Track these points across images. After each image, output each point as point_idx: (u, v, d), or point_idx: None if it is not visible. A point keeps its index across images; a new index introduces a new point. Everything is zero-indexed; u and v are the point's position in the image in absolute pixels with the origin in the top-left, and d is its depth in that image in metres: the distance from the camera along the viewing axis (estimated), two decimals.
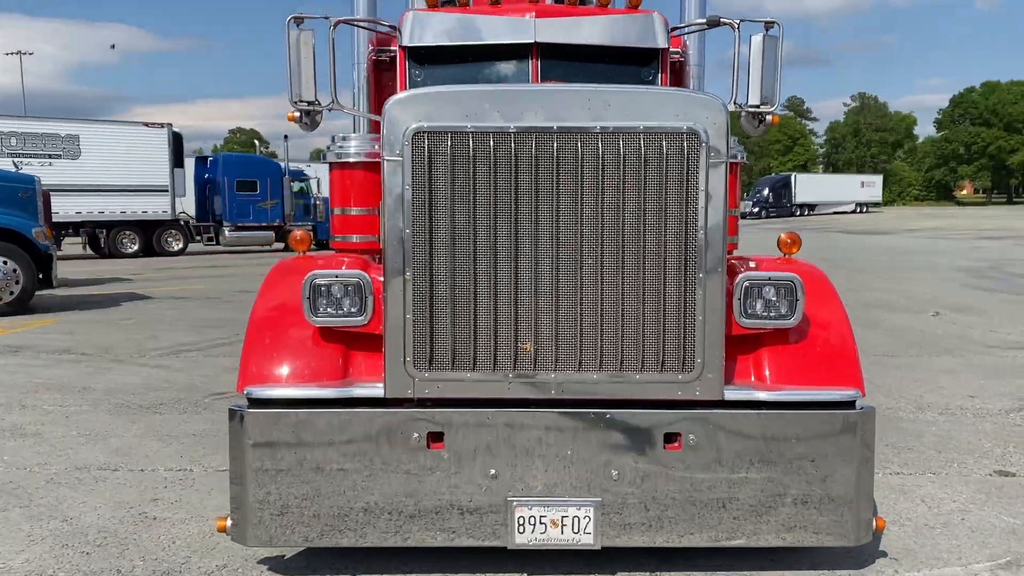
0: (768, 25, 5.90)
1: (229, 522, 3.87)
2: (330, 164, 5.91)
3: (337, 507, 3.73)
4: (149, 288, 17.78)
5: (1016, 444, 5.99)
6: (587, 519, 3.70)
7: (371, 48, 6.91)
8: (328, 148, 5.88)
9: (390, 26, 6.14)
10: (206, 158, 35.89)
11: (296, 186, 34.23)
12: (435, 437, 3.71)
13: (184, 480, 5.33)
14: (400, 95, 3.72)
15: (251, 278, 20.22)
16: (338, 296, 3.83)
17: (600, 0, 6.01)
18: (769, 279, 3.83)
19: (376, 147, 5.60)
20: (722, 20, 5.97)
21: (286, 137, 34.41)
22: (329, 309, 3.84)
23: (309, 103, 5.85)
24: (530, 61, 5.87)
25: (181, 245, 31.78)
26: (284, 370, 3.89)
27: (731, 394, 3.75)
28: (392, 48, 6.95)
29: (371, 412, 3.71)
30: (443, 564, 4.00)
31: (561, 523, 3.71)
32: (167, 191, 30.86)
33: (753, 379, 3.91)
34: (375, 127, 6.43)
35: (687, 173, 3.62)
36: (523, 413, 3.71)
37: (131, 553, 4.21)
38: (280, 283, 4.28)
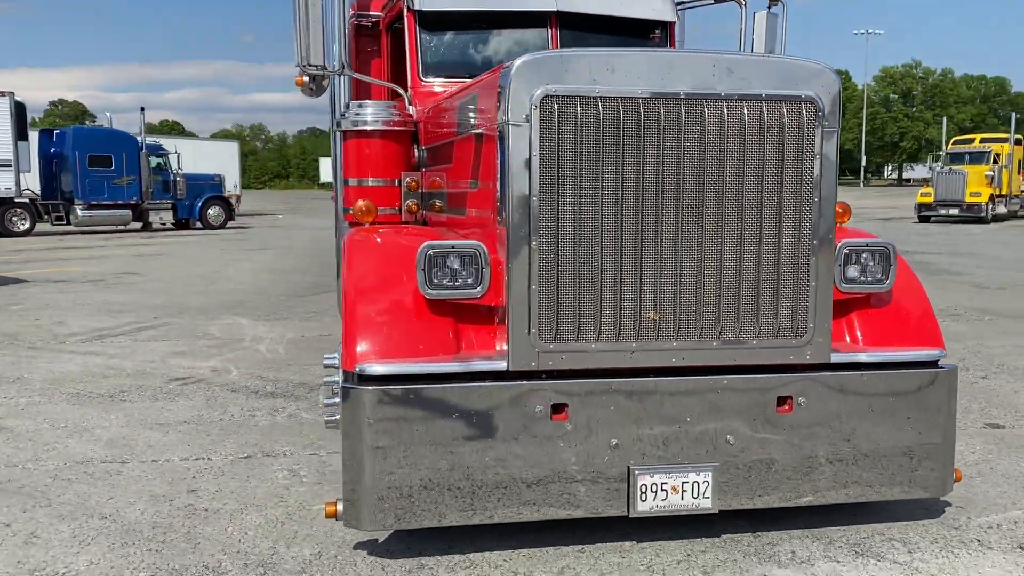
0: (772, 3, 6.05)
1: (340, 507, 3.66)
2: (344, 132, 5.62)
3: (459, 485, 3.60)
4: (12, 271, 16.34)
5: (989, 400, 6.53)
6: (706, 484, 3.74)
7: (352, 13, 6.64)
8: (342, 115, 5.59)
9: None
10: (52, 131, 33.14)
11: (154, 161, 32.21)
12: (557, 408, 3.64)
13: (209, 469, 4.98)
14: (525, 59, 3.57)
15: (128, 260, 19.01)
16: (454, 267, 3.66)
17: None
18: (867, 245, 3.99)
19: (393, 115, 5.39)
20: None
21: (143, 109, 32.24)
22: (444, 281, 3.67)
23: (319, 67, 5.56)
24: (549, 30, 5.81)
25: (28, 225, 29.32)
26: (396, 345, 3.69)
27: (835, 357, 3.88)
28: (372, 13, 6.70)
29: (495, 385, 3.60)
30: (545, 538, 3.94)
31: (681, 489, 3.73)
32: (10, 167, 28.32)
33: (848, 341, 4.06)
34: (363, 94, 6.18)
35: (804, 141, 3.70)
36: (645, 382, 3.70)
37: (206, 548, 3.90)
38: (370, 255, 4.07)
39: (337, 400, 4.17)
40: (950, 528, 4.12)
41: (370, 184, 5.58)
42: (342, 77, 5.76)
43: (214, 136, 49.13)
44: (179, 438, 5.58)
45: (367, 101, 5.62)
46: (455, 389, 3.57)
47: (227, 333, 9.63)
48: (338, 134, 5.72)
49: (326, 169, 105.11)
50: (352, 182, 5.67)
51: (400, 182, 5.53)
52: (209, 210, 33.11)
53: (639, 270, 3.64)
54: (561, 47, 5.81)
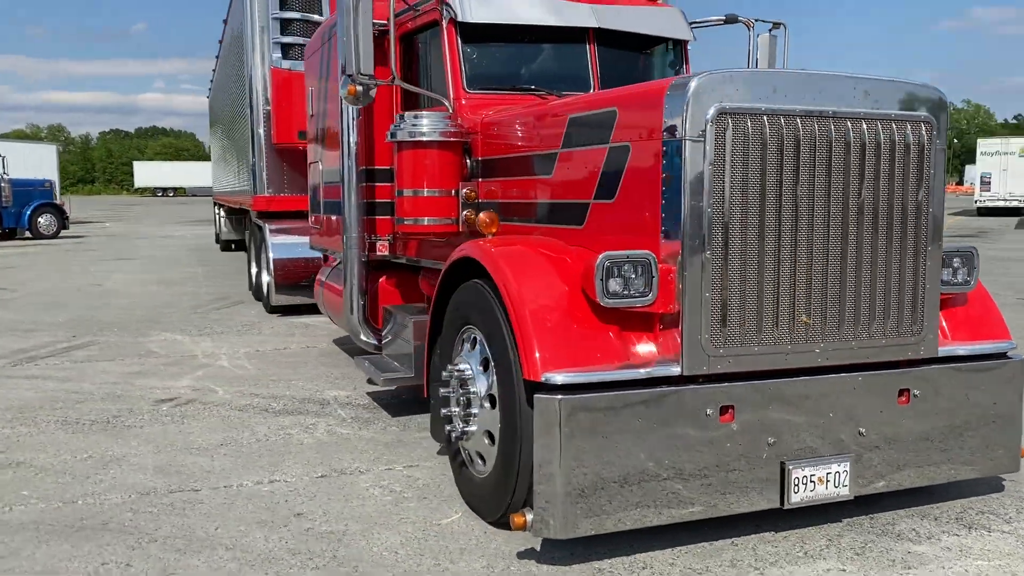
0: (775, 26, 6.52)
1: (530, 516, 3.69)
2: (399, 143, 5.55)
3: (643, 488, 3.72)
4: None
5: None
6: (844, 473, 4.06)
7: None
8: (397, 126, 5.52)
9: None
10: None
11: None
12: (724, 410, 3.84)
13: (295, 491, 4.79)
14: (701, 78, 3.74)
15: None
16: (629, 276, 3.78)
17: None
18: (957, 250, 4.45)
19: (449, 125, 5.41)
20: (739, 18, 6.49)
21: None
22: (619, 289, 3.77)
23: (370, 77, 5.51)
24: (587, 45, 5.98)
25: None
26: (577, 354, 3.75)
27: (940, 351, 4.32)
28: (378, 21, 6.63)
29: (675, 390, 3.75)
30: (694, 535, 4.12)
31: (826, 479, 4.03)
32: None
33: (941, 337, 4.51)
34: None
35: (923, 156, 4.10)
36: (796, 382, 3.97)
37: (372, 571, 3.79)
38: (530, 265, 4.10)
39: (471, 411, 4.20)
40: None
41: (425, 195, 5.55)
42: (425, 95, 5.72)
43: (4, 136, 45.13)
44: (233, 462, 5.30)
45: (422, 112, 5.57)
46: (639, 395, 3.69)
47: (171, 350, 9.09)
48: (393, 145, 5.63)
49: (142, 174, 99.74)
50: (407, 192, 5.60)
51: (457, 192, 5.53)
52: (40, 218, 30.49)
53: (796, 276, 3.91)
54: (599, 63, 6.00)
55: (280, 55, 11.55)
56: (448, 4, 5.81)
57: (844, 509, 4.41)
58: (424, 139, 5.47)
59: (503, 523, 4.21)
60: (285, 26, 11.54)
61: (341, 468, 5.19)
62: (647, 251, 3.82)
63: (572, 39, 6.02)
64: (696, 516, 3.86)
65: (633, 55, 6.29)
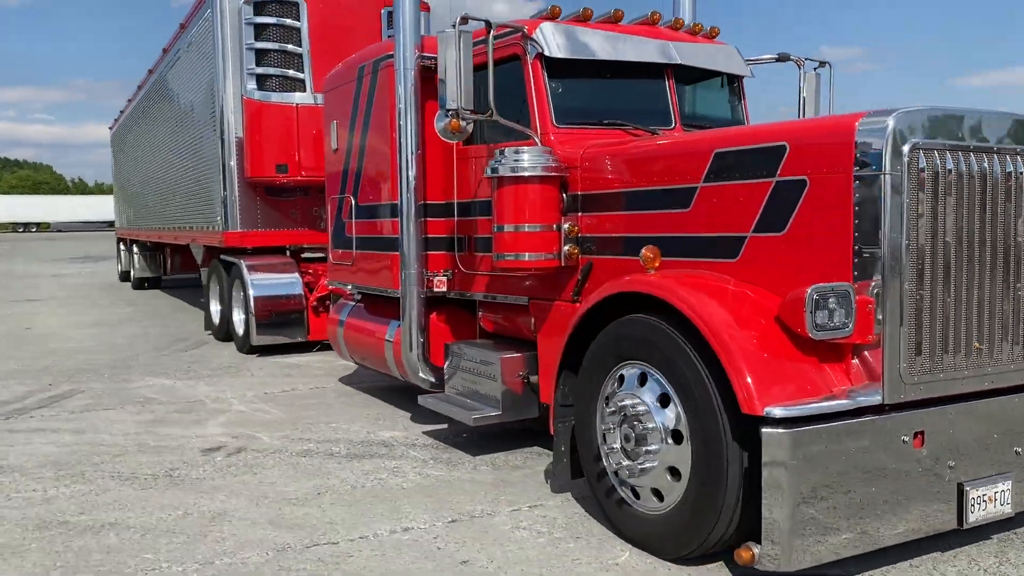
0: (821, 65, 6.85)
1: (757, 550, 3.69)
2: (499, 179, 5.49)
3: (852, 516, 3.79)
4: None
5: None
6: (1007, 491, 4.24)
7: (416, 54, 6.50)
8: (498, 161, 5.46)
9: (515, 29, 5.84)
10: None
11: None
12: (916, 436, 3.96)
13: (439, 538, 4.60)
14: (898, 113, 3.87)
15: None
16: (832, 308, 3.85)
17: (692, 29, 6.42)
18: None
19: (551, 161, 5.41)
20: (790, 57, 6.79)
21: None
22: (824, 322, 3.84)
23: (472, 112, 5.47)
24: (666, 81, 6.11)
25: None
26: (790, 387, 3.80)
27: None
28: (435, 55, 6.60)
29: (878, 419, 3.84)
30: (881, 558, 4.21)
31: (994, 499, 4.21)
32: None
33: None
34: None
35: None
36: (974, 404, 4.14)
37: None
38: (719, 299, 4.11)
39: (648, 447, 4.17)
40: None
41: (527, 230, 5.49)
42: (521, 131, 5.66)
43: None
44: (347, 511, 5.05)
45: (523, 147, 5.51)
46: (850, 425, 3.77)
47: (170, 396, 8.57)
48: (493, 180, 5.55)
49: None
50: (508, 228, 5.53)
51: (559, 227, 5.50)
52: None
53: (980, 305, 4.09)
54: (678, 97, 6.13)
55: (255, 85, 11.19)
56: (534, 40, 5.81)
57: (989, 526, 4.60)
58: (526, 174, 5.43)
59: (685, 560, 4.19)
60: (260, 56, 11.19)
61: (466, 511, 5.03)
62: (846, 283, 3.91)
63: (652, 75, 6.13)
64: (893, 541, 3.95)
65: (701, 90, 6.45)
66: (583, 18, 5.99)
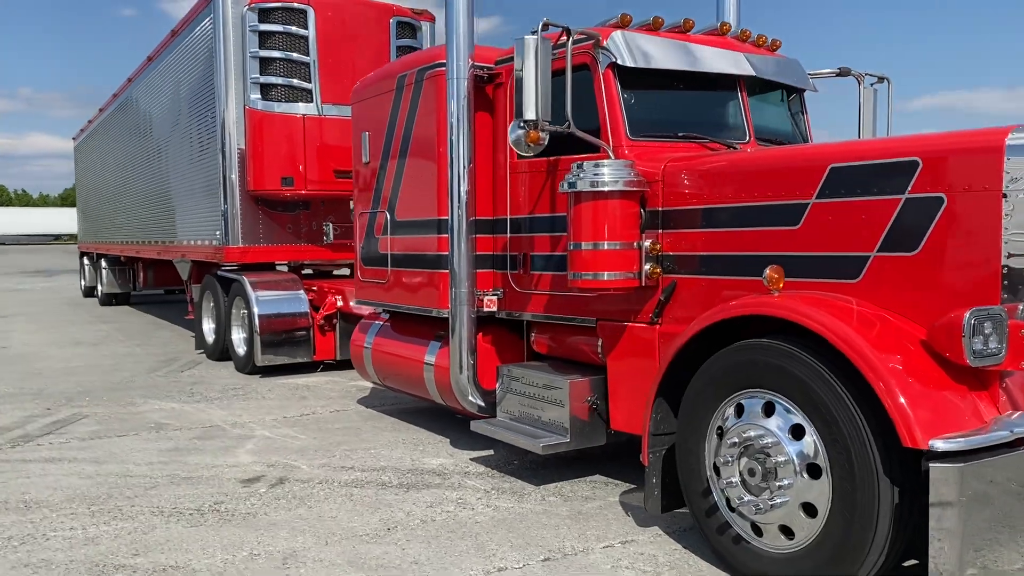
0: (879, 80, 6.71)
1: None
2: (576, 194, 5.20)
3: (1011, 547, 3.56)
4: None
5: None
6: None
7: (470, 64, 6.22)
8: (576, 176, 5.17)
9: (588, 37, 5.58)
10: None
11: None
12: None
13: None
14: None
15: None
16: (987, 333, 3.64)
17: (756, 41, 6.23)
18: None
19: (632, 175, 5.14)
20: (851, 72, 6.63)
21: None
22: (980, 348, 3.62)
23: (552, 124, 5.20)
24: (739, 93, 5.90)
25: None
26: (950, 418, 3.58)
27: None
28: (485, 65, 6.35)
29: None
30: None
31: None
32: None
33: None
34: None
35: None
36: None
37: None
38: (863, 324, 3.86)
39: (779, 482, 3.92)
40: None
41: (606, 248, 5.21)
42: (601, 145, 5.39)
43: None
44: (428, 549, 4.68)
45: (603, 160, 5.23)
46: (1015, 456, 3.55)
47: (184, 421, 8.10)
48: (570, 195, 5.26)
49: None
50: (586, 246, 5.23)
51: (639, 245, 5.23)
52: None
53: None
54: (751, 110, 5.92)
55: (259, 95, 10.76)
56: (607, 49, 5.55)
57: None
58: (607, 189, 5.15)
59: None
60: (265, 65, 10.78)
61: (556, 548, 4.70)
62: (998, 307, 3.70)
63: (726, 87, 5.92)
64: None
65: (770, 104, 6.25)
66: (653, 27, 5.76)
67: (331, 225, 11.52)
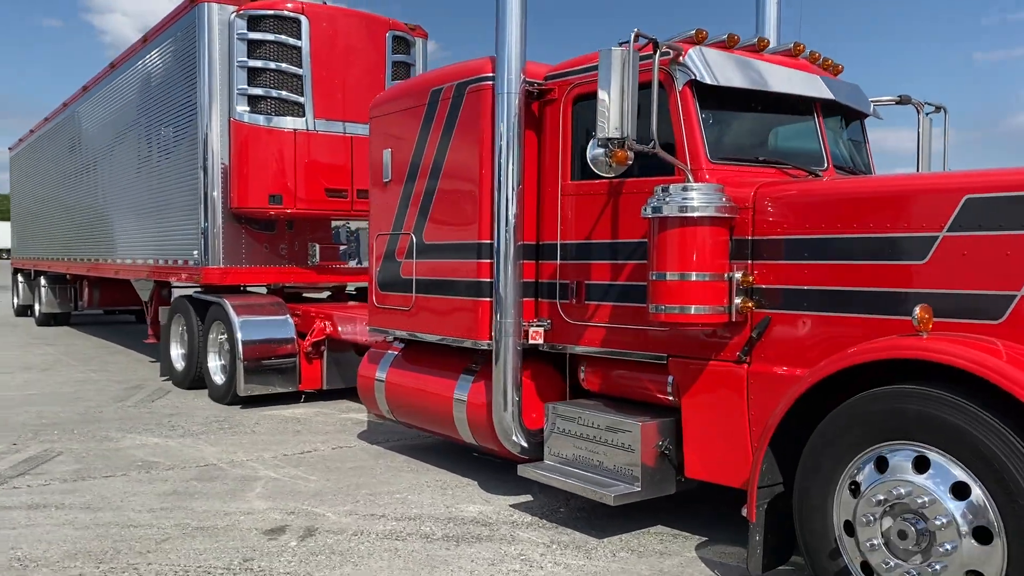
0: (936, 109, 6.48)
1: None
2: (662, 220, 4.76)
3: None
4: None
5: None
6: None
7: (522, 78, 5.80)
8: (662, 200, 4.73)
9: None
10: None
11: None
12: None
13: None
14: None
15: None
16: None
17: (824, 64, 5.92)
18: None
19: (725, 201, 4.74)
20: (911, 100, 6.38)
21: None
22: None
23: (641, 142, 4.78)
24: (815, 117, 5.57)
25: None
26: None
27: None
28: (538, 80, 5.92)
29: None
30: None
31: None
32: None
33: None
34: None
35: None
36: None
37: None
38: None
39: (941, 546, 3.52)
40: None
41: (694, 279, 4.77)
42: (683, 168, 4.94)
43: None
44: None
45: (691, 184, 4.80)
46: None
47: (174, 458, 7.35)
48: (655, 221, 4.81)
49: None
50: (672, 276, 4.79)
51: (730, 276, 4.81)
52: None
53: None
54: (828, 135, 5.59)
55: (246, 108, 10.10)
56: (685, 65, 5.15)
57: None
58: (696, 215, 4.73)
59: None
60: (254, 76, 10.13)
61: None
62: None
63: (802, 111, 5.58)
64: None
65: (838, 129, 5.92)
66: (729, 44, 5.38)
67: (317, 246, 10.92)
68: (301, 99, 10.17)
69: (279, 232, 10.83)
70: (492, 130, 5.90)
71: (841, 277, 4.49)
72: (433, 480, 6.73)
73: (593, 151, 4.91)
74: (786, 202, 4.75)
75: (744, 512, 4.36)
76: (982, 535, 3.48)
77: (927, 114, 6.59)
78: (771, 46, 5.59)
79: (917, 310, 3.82)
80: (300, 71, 10.15)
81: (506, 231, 5.81)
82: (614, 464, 5.31)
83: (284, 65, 10.12)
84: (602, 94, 4.74)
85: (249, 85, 10.10)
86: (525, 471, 5.72)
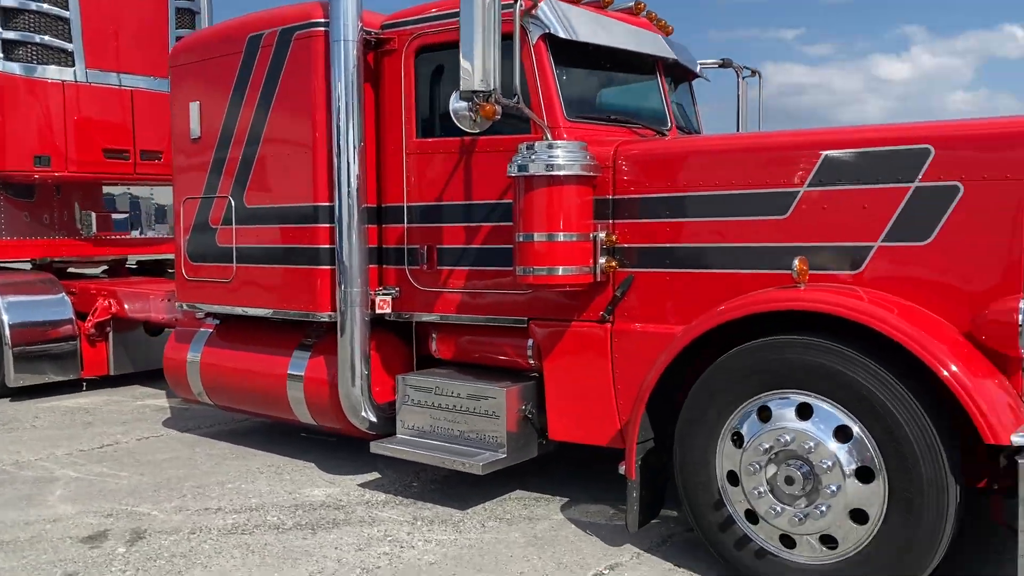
0: (752, 73, 6.87)
1: None
2: (527, 179, 4.60)
3: None
4: None
5: None
6: None
7: (360, 26, 5.47)
8: (527, 158, 4.57)
9: None
10: None
11: None
12: None
13: None
14: None
15: None
16: None
17: (659, 24, 5.99)
18: None
19: (590, 159, 4.69)
20: (732, 63, 6.69)
21: None
22: None
23: (510, 95, 4.63)
24: (659, 78, 5.67)
25: None
26: (1012, 410, 3.51)
27: None
28: (375, 30, 5.63)
29: None
30: None
31: None
32: None
33: None
34: None
35: None
36: None
37: None
38: (916, 320, 3.71)
39: (827, 487, 3.71)
40: None
41: (561, 239, 4.66)
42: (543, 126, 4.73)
43: None
44: None
45: (556, 142, 4.65)
46: None
47: None
48: (520, 180, 4.62)
49: None
50: (539, 237, 4.64)
51: (594, 236, 4.75)
52: None
53: None
54: (670, 96, 5.67)
55: (0, 54, 8.74)
56: (539, 18, 5.00)
57: None
58: (562, 174, 4.61)
59: None
60: (8, 17, 8.77)
61: None
62: None
63: (647, 70, 5.61)
64: None
65: (675, 89, 6.01)
66: None
67: (92, 215, 9.75)
68: (69, 46, 8.94)
69: (43, 198, 9.54)
70: (327, 82, 5.44)
71: (703, 234, 4.56)
72: (264, 465, 6.22)
73: (456, 104, 4.62)
74: (647, 161, 4.75)
75: (622, 470, 4.35)
76: (864, 475, 3.66)
77: (744, 78, 6.90)
78: (613, 3, 5.53)
79: (796, 262, 3.93)
80: (67, 13, 8.91)
81: (348, 194, 5.40)
82: (477, 432, 5.14)
83: (46, 6, 8.83)
84: (465, 44, 4.46)
85: (4, 27, 8.72)
86: (379, 447, 5.39)
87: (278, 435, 6.98)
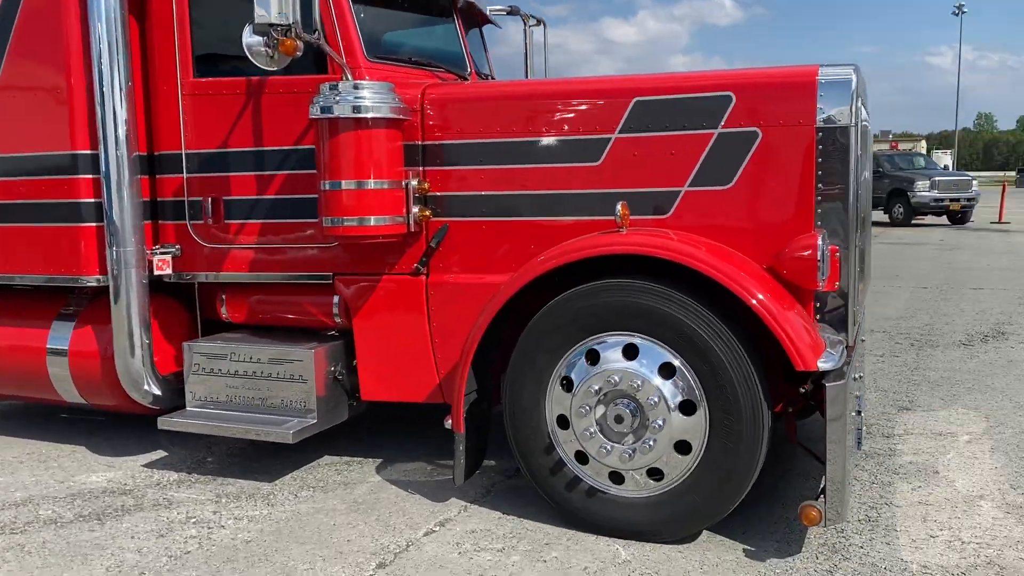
0: (538, 23, 6.96)
1: (821, 508, 3.62)
2: (331, 122, 4.31)
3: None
4: None
5: None
6: None
7: None
8: (330, 99, 4.27)
9: None
10: None
11: None
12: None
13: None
14: (854, 68, 3.99)
15: None
16: (825, 259, 3.88)
17: None
18: None
19: (399, 101, 4.51)
20: (520, 12, 6.71)
21: None
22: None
23: (312, 32, 4.36)
24: (455, 20, 5.57)
25: None
26: (818, 340, 3.78)
27: None
28: None
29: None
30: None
31: None
32: None
33: None
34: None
35: None
36: None
37: None
38: (725, 257, 3.89)
39: (654, 421, 3.86)
40: None
41: (372, 187, 4.42)
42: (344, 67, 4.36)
43: None
44: None
45: (362, 82, 4.35)
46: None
47: None
48: (324, 123, 4.29)
49: None
50: (347, 185, 4.36)
51: (407, 184, 4.55)
52: None
53: None
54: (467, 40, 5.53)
55: None
56: None
57: None
58: (370, 116, 4.35)
59: (687, 539, 3.92)
60: None
61: (377, 550, 3.90)
62: (824, 234, 3.98)
63: (442, 12, 5.42)
64: None
65: (468, 34, 5.87)
66: None
67: None
68: None
69: None
70: (82, 11, 4.74)
71: (517, 181, 4.49)
72: (23, 454, 5.45)
73: (249, 39, 4.18)
74: (457, 105, 4.59)
75: (448, 424, 4.25)
76: (687, 408, 3.82)
77: (530, 27, 6.89)
78: None
79: (619, 207, 3.98)
80: None
81: (117, 143, 4.76)
82: (282, 399, 4.80)
83: None
84: None
85: None
86: (169, 422, 4.88)
87: (24, 417, 6.18)
